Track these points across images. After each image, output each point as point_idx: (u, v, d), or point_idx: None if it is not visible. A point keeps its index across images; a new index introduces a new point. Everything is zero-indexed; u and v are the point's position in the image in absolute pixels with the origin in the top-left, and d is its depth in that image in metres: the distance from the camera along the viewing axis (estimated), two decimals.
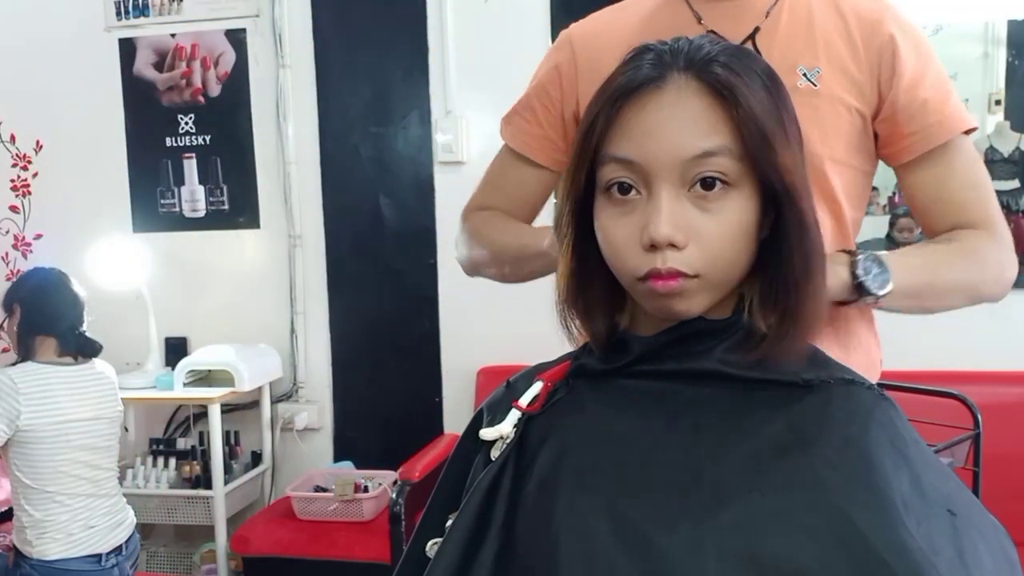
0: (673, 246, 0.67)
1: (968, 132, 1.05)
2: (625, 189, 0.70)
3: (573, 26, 1.15)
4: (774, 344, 0.70)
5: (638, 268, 0.69)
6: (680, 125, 0.67)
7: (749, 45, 1.00)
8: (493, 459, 0.76)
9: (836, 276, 0.92)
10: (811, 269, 0.70)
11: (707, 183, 0.67)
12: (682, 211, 0.67)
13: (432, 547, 0.76)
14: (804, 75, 1.00)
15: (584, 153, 0.71)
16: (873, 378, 1.08)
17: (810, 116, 0.97)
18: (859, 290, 0.93)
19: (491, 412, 0.81)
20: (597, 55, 1.07)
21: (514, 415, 0.77)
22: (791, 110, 0.73)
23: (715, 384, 0.71)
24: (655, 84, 0.69)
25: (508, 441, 0.76)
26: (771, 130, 0.68)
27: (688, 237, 0.67)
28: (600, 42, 1.09)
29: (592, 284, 0.76)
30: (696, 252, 0.67)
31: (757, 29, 1.01)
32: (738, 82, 0.68)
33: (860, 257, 0.93)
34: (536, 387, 0.77)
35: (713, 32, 0.98)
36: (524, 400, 0.77)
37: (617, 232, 0.70)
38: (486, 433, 0.77)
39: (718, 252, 0.68)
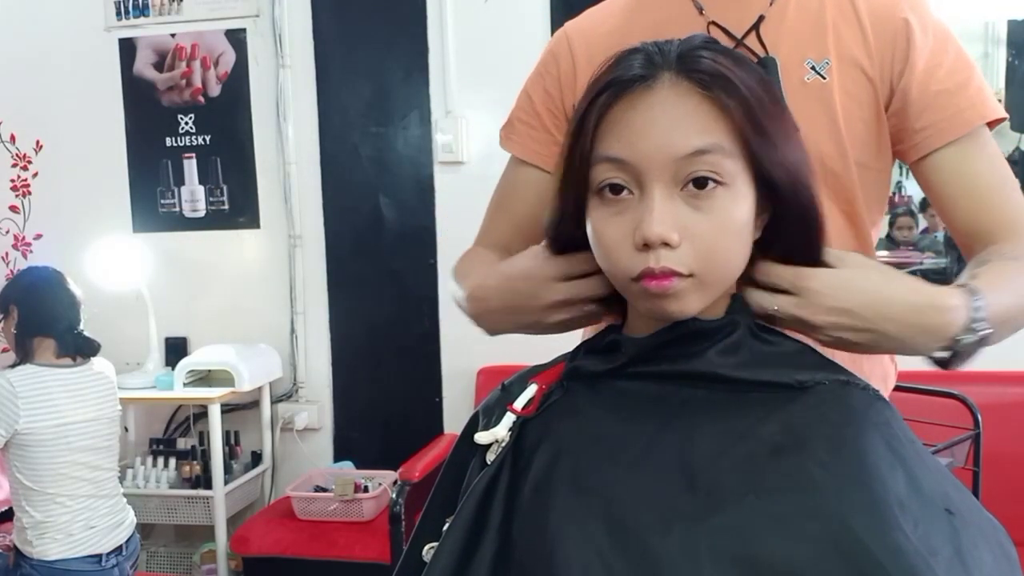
0: (667, 245, 0.67)
1: (992, 124, 0.96)
2: (617, 189, 0.69)
3: (568, 23, 1.10)
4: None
5: (631, 268, 0.68)
6: (672, 123, 0.67)
7: (753, 36, 0.94)
8: (489, 463, 0.76)
9: (933, 333, 0.75)
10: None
11: (700, 182, 0.67)
12: (675, 210, 0.67)
13: (428, 551, 0.76)
14: (812, 68, 0.94)
15: (579, 154, 0.71)
16: (886, 390, 1.02)
17: (819, 112, 0.93)
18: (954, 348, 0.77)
19: (486, 415, 0.81)
20: (596, 51, 1.01)
21: (509, 418, 0.77)
22: (786, 108, 0.73)
23: (709, 386, 0.71)
24: (646, 83, 0.69)
25: (503, 444, 0.76)
26: (768, 119, 0.68)
27: (682, 236, 0.67)
28: (598, 38, 1.04)
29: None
30: (690, 251, 0.67)
31: (762, 18, 0.95)
32: (730, 79, 0.68)
33: (977, 310, 0.75)
34: (531, 390, 0.77)
35: (715, 23, 0.95)
36: (519, 403, 0.77)
37: (609, 232, 0.70)
38: (481, 437, 0.77)
39: (712, 251, 0.68)
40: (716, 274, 0.69)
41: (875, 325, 0.74)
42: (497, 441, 0.76)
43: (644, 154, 0.67)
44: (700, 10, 0.97)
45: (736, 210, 0.68)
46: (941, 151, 0.95)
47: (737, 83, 0.67)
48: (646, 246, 0.67)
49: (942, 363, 0.80)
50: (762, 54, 0.93)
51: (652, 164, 0.67)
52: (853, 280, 0.75)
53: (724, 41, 0.93)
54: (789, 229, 0.71)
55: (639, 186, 0.69)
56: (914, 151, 0.96)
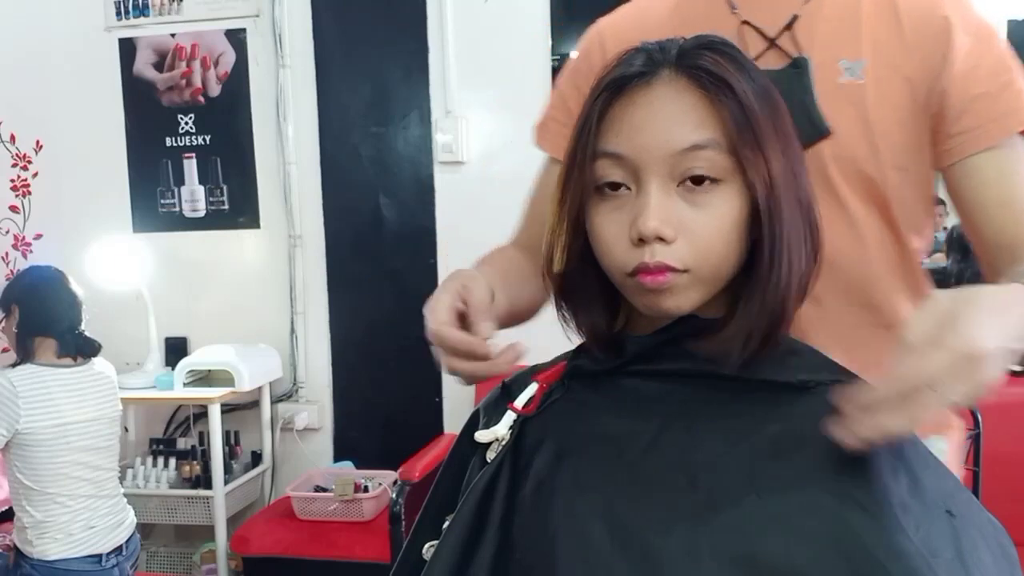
0: (662, 240, 0.67)
1: None
2: (615, 185, 0.69)
3: (602, 20, 1.08)
4: (734, 341, 0.69)
5: (627, 263, 0.69)
6: (669, 119, 0.67)
7: (786, 36, 0.92)
8: (489, 461, 0.76)
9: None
10: (781, 275, 0.68)
11: (697, 178, 0.67)
12: (671, 205, 0.67)
13: (428, 549, 0.76)
14: (847, 69, 0.91)
15: (584, 151, 0.71)
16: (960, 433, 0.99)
17: (853, 114, 0.90)
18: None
19: (487, 414, 0.81)
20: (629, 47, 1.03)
21: (509, 417, 0.77)
22: (784, 116, 0.72)
23: (711, 385, 0.71)
24: (645, 80, 0.69)
25: (504, 443, 0.76)
26: (759, 128, 0.67)
27: (677, 231, 0.67)
28: (631, 36, 1.03)
29: (587, 283, 0.75)
30: (685, 247, 0.67)
31: (795, 18, 0.92)
32: (727, 77, 0.67)
33: None
34: (531, 388, 0.77)
35: (747, 23, 0.94)
36: (519, 402, 0.77)
37: (607, 228, 0.70)
38: (481, 435, 0.77)
39: (708, 247, 0.68)
40: (711, 270, 0.69)
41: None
42: (497, 439, 0.76)
43: (641, 149, 0.68)
44: (732, 8, 0.95)
45: (732, 207, 0.68)
46: (976, 156, 0.91)
47: (732, 85, 0.67)
48: (641, 241, 0.67)
49: None
50: (795, 54, 0.91)
51: (649, 159, 0.67)
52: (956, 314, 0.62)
53: (756, 41, 0.93)
54: (767, 229, 0.69)
55: (636, 181, 0.69)
56: (947, 155, 0.93)
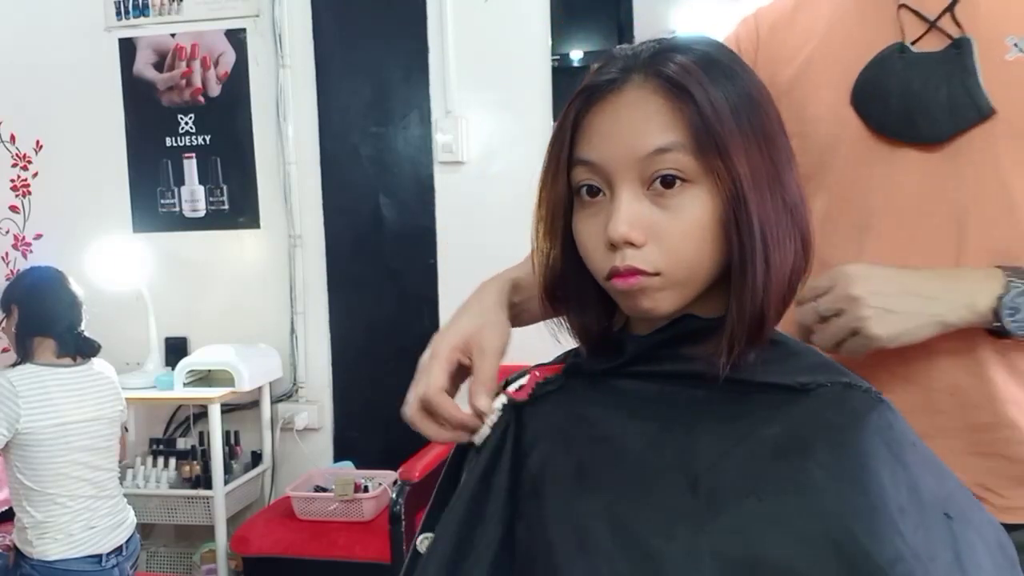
0: (632, 244, 0.67)
1: None
2: (593, 191, 0.70)
3: (760, 9, 1.06)
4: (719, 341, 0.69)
5: (603, 267, 0.70)
6: (634, 124, 0.68)
7: (948, 18, 0.90)
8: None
9: (972, 305, 0.83)
10: (756, 276, 0.68)
11: (666, 181, 0.67)
12: (641, 209, 0.68)
13: (423, 541, 0.76)
14: (1015, 45, 0.87)
15: (557, 158, 0.72)
16: None
17: None
18: (999, 327, 0.83)
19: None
20: (780, 26, 1.01)
21: (500, 399, 0.77)
22: (766, 116, 0.71)
23: (710, 386, 0.71)
24: (616, 87, 0.69)
25: (492, 422, 0.76)
26: (722, 129, 0.67)
27: (646, 235, 0.67)
28: (783, 18, 1.02)
29: (580, 285, 0.76)
30: (655, 250, 0.68)
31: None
32: (686, 81, 0.67)
33: (1012, 292, 0.82)
34: (525, 377, 0.78)
35: (905, 6, 0.91)
36: (512, 387, 0.78)
37: (587, 233, 0.71)
38: (481, 436, 0.77)
39: (677, 249, 0.68)
40: (684, 272, 0.69)
41: (915, 289, 0.84)
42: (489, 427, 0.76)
43: (610, 155, 0.68)
44: None
45: (703, 209, 0.68)
46: None
47: (691, 89, 0.67)
48: (614, 245, 0.68)
49: (998, 332, 0.85)
50: (956, 35, 0.89)
51: (618, 165, 0.68)
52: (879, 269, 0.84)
53: (914, 24, 0.91)
54: (739, 234, 0.69)
55: (609, 187, 0.70)
56: None
